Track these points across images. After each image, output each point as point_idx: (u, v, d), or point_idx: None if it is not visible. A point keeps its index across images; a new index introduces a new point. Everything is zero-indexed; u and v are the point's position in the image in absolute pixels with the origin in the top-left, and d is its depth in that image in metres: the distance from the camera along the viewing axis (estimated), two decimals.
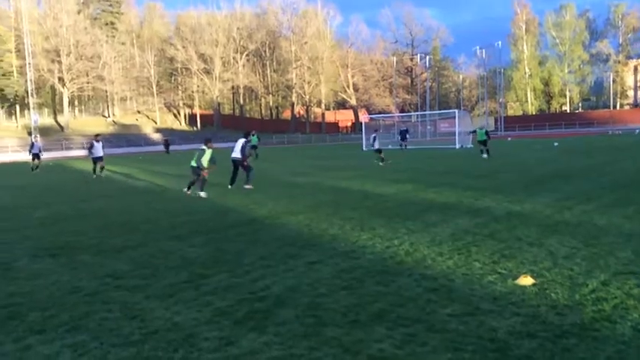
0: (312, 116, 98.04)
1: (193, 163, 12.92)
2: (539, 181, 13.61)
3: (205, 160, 12.77)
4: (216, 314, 4.39)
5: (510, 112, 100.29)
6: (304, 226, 8.27)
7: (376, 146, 23.36)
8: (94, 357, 3.64)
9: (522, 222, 7.92)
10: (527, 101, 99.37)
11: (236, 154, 14.51)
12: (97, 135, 22.13)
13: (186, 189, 13.31)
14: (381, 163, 22.15)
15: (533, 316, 4.09)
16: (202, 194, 12.60)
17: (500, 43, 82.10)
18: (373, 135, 24.18)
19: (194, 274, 5.69)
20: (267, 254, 6.43)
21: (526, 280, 4.92)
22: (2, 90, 62.85)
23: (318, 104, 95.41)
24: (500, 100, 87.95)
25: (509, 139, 53.44)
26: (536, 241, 6.60)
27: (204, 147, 12.93)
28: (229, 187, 14.22)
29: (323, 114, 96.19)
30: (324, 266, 5.79)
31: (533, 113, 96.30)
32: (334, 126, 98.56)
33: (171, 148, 51.97)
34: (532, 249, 6.24)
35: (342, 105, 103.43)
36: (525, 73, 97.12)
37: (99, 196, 14.36)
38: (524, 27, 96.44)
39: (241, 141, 14.62)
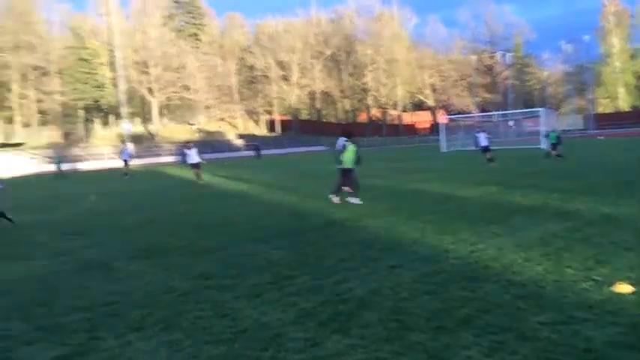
0: (389, 118, 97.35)
1: (344, 165, 11.75)
2: (634, 182, 12.73)
3: (349, 158, 11.62)
4: (301, 315, 4.49)
5: (600, 110, 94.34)
6: (384, 229, 8.25)
7: (483, 144, 22.00)
8: (188, 354, 3.84)
9: (617, 226, 7.45)
10: (618, 97, 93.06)
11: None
12: (187, 142, 22.85)
13: (333, 196, 12.00)
14: (491, 164, 21.00)
15: (633, 326, 3.84)
16: (354, 200, 11.39)
17: (588, 37, 77.61)
18: (479, 134, 22.75)
19: (278, 275, 5.84)
20: (348, 257, 6.48)
21: (624, 288, 4.63)
22: (97, 101, 67.44)
23: (394, 106, 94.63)
24: (590, 96, 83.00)
25: (600, 137, 50.32)
26: (634, 247, 6.19)
27: (345, 142, 11.76)
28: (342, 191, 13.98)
29: (399, 116, 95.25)
30: (405, 270, 5.75)
31: (626, 110, 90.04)
32: (411, 128, 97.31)
33: (252, 153, 53.52)
34: (629, 254, 5.86)
35: (418, 106, 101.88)
36: (616, 67, 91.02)
37: (187, 200, 15.05)
38: (613, 19, 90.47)
39: (342, 144, 14.21)
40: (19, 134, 62.64)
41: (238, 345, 3.93)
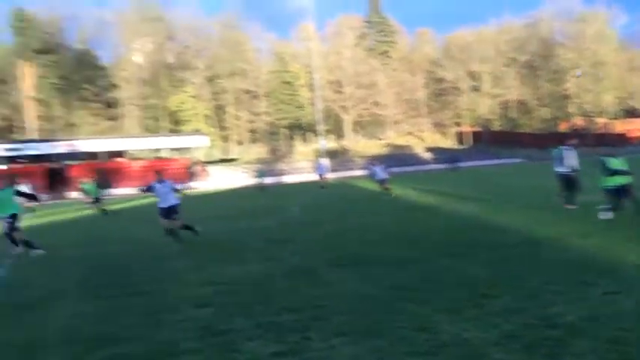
0: (595, 127, 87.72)
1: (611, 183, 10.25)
2: None
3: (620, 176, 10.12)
4: (504, 336, 4.32)
5: None
6: (596, 250, 7.47)
7: None
8: None
9: None
10: None
11: (565, 167, 12.71)
12: (372, 159, 23.95)
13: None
14: None
15: None
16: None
17: None
18: None
19: (475, 292, 5.69)
20: (554, 279, 6.03)
21: None
22: (298, 120, 73.36)
23: (601, 114, 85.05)
24: None
25: None
26: None
27: (604, 157, 10.42)
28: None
29: (607, 124, 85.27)
30: (625, 297, 5.15)
31: None
32: (622, 137, 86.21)
33: (443, 166, 52.92)
34: None
35: (631, 113, 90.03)
36: None
37: (379, 212, 15.45)
38: None
39: (564, 150, 12.86)
40: (233, 150, 71.06)
41: (440, 359, 3.94)
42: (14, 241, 10.80)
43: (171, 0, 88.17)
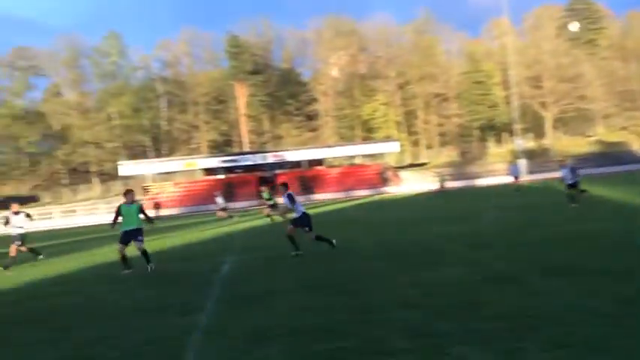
0: None
1: None
2: None
3: None
4: None
5: None
6: None
7: None
8: None
9: None
10: None
11: None
12: (561, 161, 21.74)
13: None
14: None
15: None
16: None
17: None
18: None
19: None
20: None
21: None
22: (491, 120, 70.15)
23: None
24: None
25: None
26: None
27: None
28: None
29: None
30: None
31: None
32: None
33: None
34: None
35: None
36: None
37: (586, 218, 13.99)
38: None
39: None
40: (423, 155, 70.90)
41: None
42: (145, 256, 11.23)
43: (365, 12, 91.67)
